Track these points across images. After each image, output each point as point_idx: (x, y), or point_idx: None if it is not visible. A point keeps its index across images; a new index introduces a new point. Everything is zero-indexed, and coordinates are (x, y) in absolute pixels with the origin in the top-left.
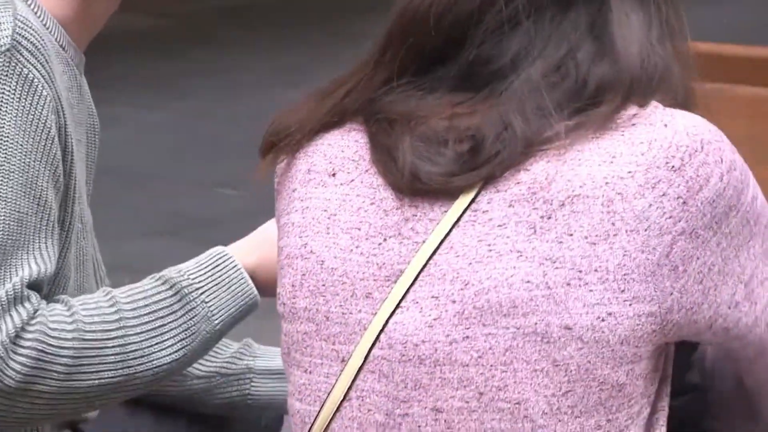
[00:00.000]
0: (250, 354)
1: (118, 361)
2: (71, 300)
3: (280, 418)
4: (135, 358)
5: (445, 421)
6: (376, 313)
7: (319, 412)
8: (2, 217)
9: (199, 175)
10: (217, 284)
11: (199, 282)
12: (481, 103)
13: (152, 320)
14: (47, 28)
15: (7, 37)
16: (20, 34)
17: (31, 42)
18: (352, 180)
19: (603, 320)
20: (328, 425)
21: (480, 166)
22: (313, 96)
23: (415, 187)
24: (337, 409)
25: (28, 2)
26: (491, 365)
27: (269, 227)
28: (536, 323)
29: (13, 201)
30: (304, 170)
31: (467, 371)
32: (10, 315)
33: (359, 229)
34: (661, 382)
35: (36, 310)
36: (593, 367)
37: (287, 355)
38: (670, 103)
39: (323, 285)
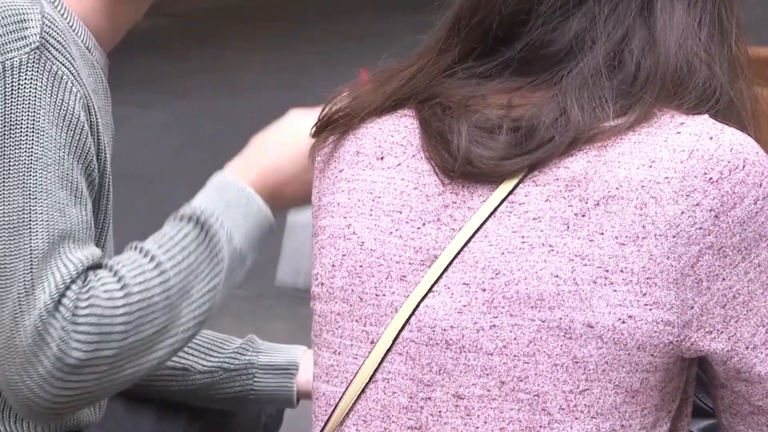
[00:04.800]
0: (254, 349)
1: (165, 306)
2: (112, 263)
3: (281, 414)
4: (178, 297)
5: (465, 408)
6: (408, 296)
7: (344, 393)
8: (46, 209)
9: (199, 174)
10: (227, 206)
11: (212, 209)
12: (540, 89)
13: (185, 257)
14: (73, 29)
15: (36, 35)
16: (47, 33)
17: (58, 41)
18: (399, 164)
19: (624, 322)
20: (352, 407)
21: (531, 150)
22: (372, 79)
23: (464, 171)
24: (362, 391)
25: (54, 3)
26: (515, 355)
27: (259, 140)
28: (561, 318)
29: (54, 193)
30: (352, 152)
31: (491, 360)
32: (66, 297)
33: (400, 213)
34: (682, 402)
35: (87, 286)
36: (610, 368)
37: (318, 336)
38: (708, 108)
39: (361, 266)
